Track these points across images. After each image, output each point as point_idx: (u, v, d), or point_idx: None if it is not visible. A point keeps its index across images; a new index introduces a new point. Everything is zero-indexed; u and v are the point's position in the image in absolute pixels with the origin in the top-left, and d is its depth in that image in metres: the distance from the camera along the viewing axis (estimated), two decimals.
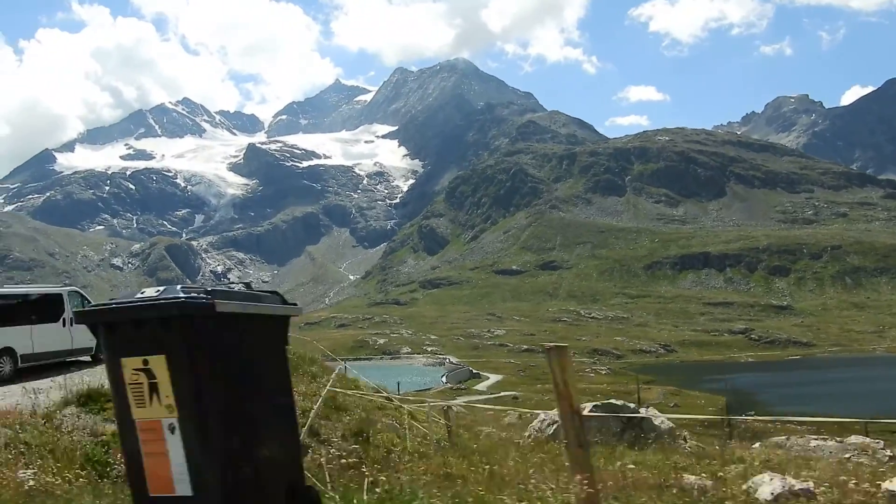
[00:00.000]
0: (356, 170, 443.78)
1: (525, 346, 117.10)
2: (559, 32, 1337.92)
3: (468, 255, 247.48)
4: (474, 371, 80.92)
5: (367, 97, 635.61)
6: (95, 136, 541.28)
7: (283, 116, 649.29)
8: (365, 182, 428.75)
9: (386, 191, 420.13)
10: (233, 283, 4.93)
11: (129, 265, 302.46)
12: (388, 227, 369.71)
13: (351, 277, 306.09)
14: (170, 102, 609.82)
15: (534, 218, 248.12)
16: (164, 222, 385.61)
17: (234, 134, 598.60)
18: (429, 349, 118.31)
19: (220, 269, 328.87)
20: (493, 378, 78.01)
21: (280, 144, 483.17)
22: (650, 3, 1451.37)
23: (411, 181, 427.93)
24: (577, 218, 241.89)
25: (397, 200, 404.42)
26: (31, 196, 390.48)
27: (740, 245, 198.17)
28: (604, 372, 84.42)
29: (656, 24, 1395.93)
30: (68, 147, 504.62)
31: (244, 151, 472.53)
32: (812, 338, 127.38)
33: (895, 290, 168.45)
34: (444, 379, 73.19)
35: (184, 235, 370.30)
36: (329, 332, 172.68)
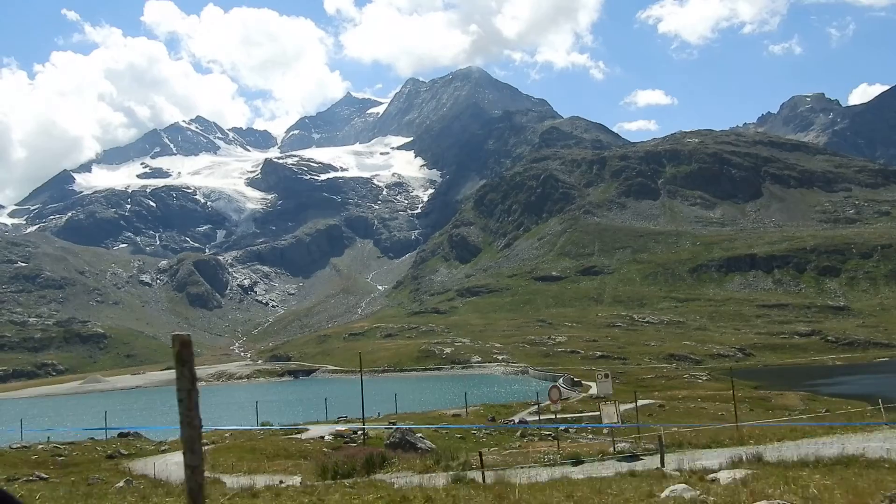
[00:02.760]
0: (375, 181, 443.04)
1: (599, 353, 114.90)
2: (572, 37, 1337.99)
3: (503, 263, 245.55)
4: (576, 379, 78.51)
5: (380, 109, 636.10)
6: (112, 156, 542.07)
7: (296, 131, 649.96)
8: (385, 193, 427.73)
9: (406, 201, 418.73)
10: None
11: (158, 281, 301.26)
12: (413, 236, 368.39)
13: (380, 288, 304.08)
14: (183, 121, 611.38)
15: (568, 224, 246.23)
16: (187, 238, 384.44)
17: (248, 150, 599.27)
18: (499, 357, 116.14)
19: (246, 282, 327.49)
20: (596, 388, 75.30)
21: (297, 158, 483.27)
22: (659, 4, 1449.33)
23: (430, 191, 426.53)
24: (613, 223, 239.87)
25: (419, 210, 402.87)
26: (52, 216, 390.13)
27: (786, 246, 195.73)
28: (705, 378, 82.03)
29: (665, 25, 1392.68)
30: (86, 168, 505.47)
31: (261, 166, 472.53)
32: (884, 338, 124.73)
33: None
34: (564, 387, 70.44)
35: (207, 251, 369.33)
36: (377, 342, 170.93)
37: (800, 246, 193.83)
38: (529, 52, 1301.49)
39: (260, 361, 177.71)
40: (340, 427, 34.18)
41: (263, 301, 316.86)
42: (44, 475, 21.00)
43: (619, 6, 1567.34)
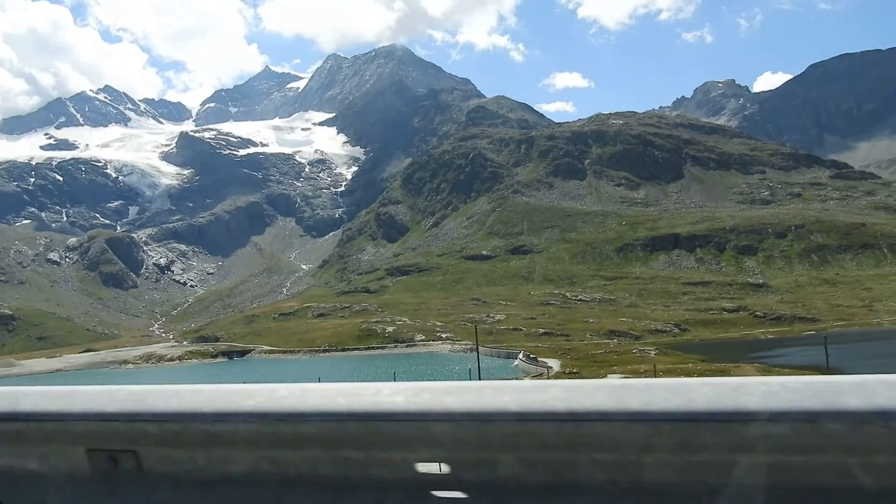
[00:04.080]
0: (297, 157, 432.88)
1: (542, 331, 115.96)
2: (496, 17, 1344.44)
3: (432, 242, 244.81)
4: (532, 356, 78.67)
5: (300, 84, 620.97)
6: (12, 125, 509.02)
7: (212, 104, 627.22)
8: (307, 170, 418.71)
9: (329, 178, 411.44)
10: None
11: (68, 260, 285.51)
12: (337, 215, 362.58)
13: (304, 267, 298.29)
14: (91, 90, 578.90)
15: (497, 203, 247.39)
16: (97, 214, 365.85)
17: (161, 122, 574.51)
18: (443, 336, 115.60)
19: (163, 261, 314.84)
20: (553, 363, 75.73)
21: (214, 132, 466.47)
22: None
23: (354, 168, 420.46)
24: (542, 202, 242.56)
25: (342, 188, 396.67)
26: None
27: (707, 226, 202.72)
28: (654, 353, 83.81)
29: (585, 10, 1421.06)
30: None
31: (176, 140, 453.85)
32: (805, 313, 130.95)
33: (860, 266, 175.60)
34: (518, 364, 70.63)
35: (119, 228, 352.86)
36: (310, 321, 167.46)
37: (720, 226, 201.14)
38: (451, 32, 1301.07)
39: (185, 343, 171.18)
40: None
41: (181, 281, 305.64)
42: None
43: None
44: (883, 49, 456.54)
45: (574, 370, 63.89)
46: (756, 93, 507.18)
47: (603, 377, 60.02)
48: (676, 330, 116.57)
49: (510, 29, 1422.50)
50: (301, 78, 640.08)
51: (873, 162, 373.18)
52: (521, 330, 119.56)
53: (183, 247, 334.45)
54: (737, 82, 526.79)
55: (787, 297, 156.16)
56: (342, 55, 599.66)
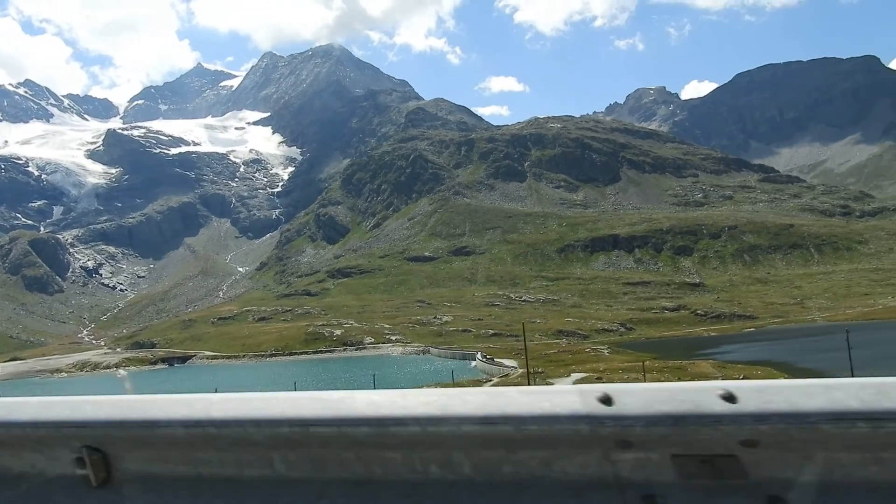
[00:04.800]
0: (231, 157, 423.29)
1: (492, 331, 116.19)
2: (436, 19, 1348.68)
3: (374, 243, 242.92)
4: (489, 357, 78.52)
5: (233, 83, 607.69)
6: None
7: (141, 101, 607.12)
8: (242, 170, 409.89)
9: (265, 179, 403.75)
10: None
11: None
12: (274, 216, 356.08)
13: (241, 269, 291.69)
14: (10, 84, 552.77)
15: (439, 204, 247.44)
16: (18, 215, 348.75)
17: (86, 119, 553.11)
18: (392, 338, 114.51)
19: (90, 264, 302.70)
20: (509, 363, 75.72)
21: (143, 130, 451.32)
22: None
23: (291, 168, 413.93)
24: (483, 204, 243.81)
25: (279, 189, 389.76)
26: None
27: (644, 227, 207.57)
28: (607, 352, 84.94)
29: (521, 15, 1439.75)
30: None
31: (103, 137, 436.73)
32: (742, 310, 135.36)
33: (790, 265, 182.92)
34: (475, 365, 70.32)
35: (42, 229, 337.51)
36: (252, 325, 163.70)
37: (656, 227, 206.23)
38: (389, 33, 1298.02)
39: (119, 349, 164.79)
40: None
41: (111, 284, 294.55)
42: None
43: None
44: (804, 60, 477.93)
45: (539, 370, 64.00)
46: (685, 100, 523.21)
47: (567, 377, 60.34)
48: (622, 329, 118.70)
49: (448, 32, 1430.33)
50: (235, 76, 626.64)
51: (795, 167, 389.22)
52: (470, 331, 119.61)
53: (112, 249, 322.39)
54: (667, 89, 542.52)
55: (723, 295, 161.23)
56: (278, 54, 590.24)
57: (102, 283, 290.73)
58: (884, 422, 1.76)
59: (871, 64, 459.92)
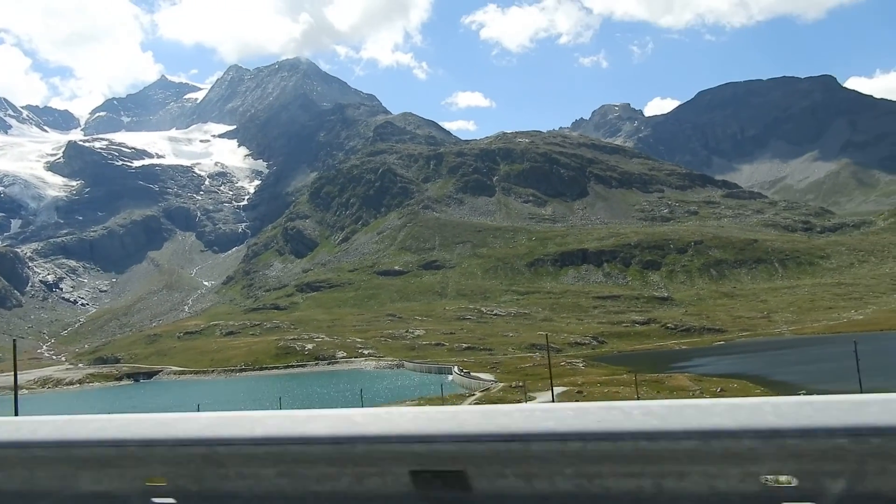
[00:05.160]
0: (196, 170, 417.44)
1: (465, 345, 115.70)
2: (403, 34, 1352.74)
3: (343, 257, 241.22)
4: (464, 371, 78.08)
5: (198, 95, 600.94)
6: None
7: (102, 113, 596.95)
8: (207, 183, 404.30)
9: (231, 192, 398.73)
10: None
11: None
12: (240, 229, 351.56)
13: (206, 283, 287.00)
14: None
15: (408, 218, 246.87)
16: None
17: (46, 131, 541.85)
18: (364, 352, 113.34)
19: (50, 278, 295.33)
20: (486, 377, 75.46)
21: (106, 142, 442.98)
22: (483, 10, 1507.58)
23: (257, 182, 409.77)
24: (452, 218, 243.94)
25: (245, 202, 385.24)
26: None
27: (613, 242, 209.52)
28: (582, 365, 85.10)
29: (488, 32, 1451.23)
30: None
31: (63, 149, 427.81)
32: (710, 324, 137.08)
33: (754, 279, 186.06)
34: (452, 379, 69.83)
35: (0, 242, 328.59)
36: (219, 340, 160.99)
37: (625, 242, 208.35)
38: (355, 48, 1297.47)
39: (81, 365, 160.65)
40: None
41: (71, 299, 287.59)
42: None
43: (447, 9, 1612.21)
44: (764, 79, 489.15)
45: (520, 383, 63.73)
46: (649, 116, 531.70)
47: (546, 390, 60.10)
48: (595, 342, 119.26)
49: (415, 47, 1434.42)
50: (200, 88, 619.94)
51: (756, 183, 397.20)
52: (443, 345, 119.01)
53: (73, 262, 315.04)
54: (632, 106, 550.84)
55: (691, 309, 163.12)
56: (244, 67, 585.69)
57: (63, 298, 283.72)
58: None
59: (828, 83, 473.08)
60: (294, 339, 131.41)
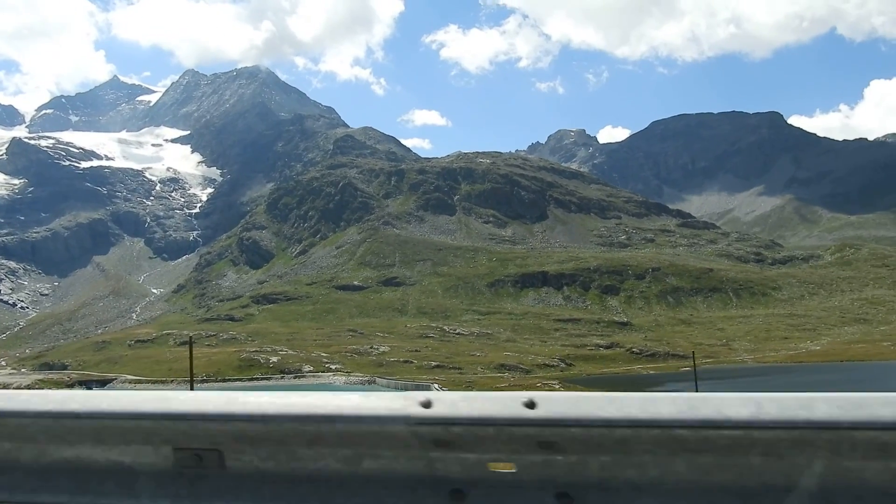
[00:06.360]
0: (147, 174, 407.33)
1: (434, 363, 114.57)
2: (365, 49, 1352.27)
3: (300, 270, 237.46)
4: (443, 388, 77.01)
5: (151, 98, 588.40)
6: None
7: (49, 110, 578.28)
8: (158, 188, 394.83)
9: (183, 199, 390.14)
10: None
11: None
12: (191, 237, 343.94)
13: (155, 291, 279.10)
14: None
15: (368, 233, 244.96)
16: None
17: None
18: (332, 367, 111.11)
19: None
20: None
21: (52, 141, 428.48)
22: (444, 30, 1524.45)
23: (210, 189, 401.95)
24: (413, 235, 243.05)
25: (197, 210, 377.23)
26: None
27: (572, 265, 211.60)
28: (558, 386, 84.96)
29: (448, 52, 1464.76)
30: None
31: (7, 146, 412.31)
32: (672, 349, 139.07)
33: (710, 307, 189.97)
34: None
35: None
36: (173, 349, 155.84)
37: (584, 266, 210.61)
38: (314, 59, 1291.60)
39: (24, 370, 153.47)
40: None
41: (10, 301, 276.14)
42: None
43: (409, 27, 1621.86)
44: (714, 113, 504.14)
45: None
46: (604, 143, 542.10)
47: None
48: (563, 364, 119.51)
49: (375, 62, 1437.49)
50: (153, 91, 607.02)
51: (706, 214, 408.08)
52: (411, 362, 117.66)
53: (12, 264, 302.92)
54: (587, 132, 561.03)
55: (650, 335, 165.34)
56: (201, 72, 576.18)
57: (1, 300, 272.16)
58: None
59: (774, 119, 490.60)
60: (256, 351, 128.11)
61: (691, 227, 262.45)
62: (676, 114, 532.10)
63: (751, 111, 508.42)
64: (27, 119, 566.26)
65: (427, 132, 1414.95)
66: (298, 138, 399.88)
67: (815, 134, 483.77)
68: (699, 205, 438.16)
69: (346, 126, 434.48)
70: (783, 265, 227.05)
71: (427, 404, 2.42)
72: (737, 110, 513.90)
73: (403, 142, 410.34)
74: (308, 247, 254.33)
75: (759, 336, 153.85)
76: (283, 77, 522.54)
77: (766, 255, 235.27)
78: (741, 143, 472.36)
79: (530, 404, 2.36)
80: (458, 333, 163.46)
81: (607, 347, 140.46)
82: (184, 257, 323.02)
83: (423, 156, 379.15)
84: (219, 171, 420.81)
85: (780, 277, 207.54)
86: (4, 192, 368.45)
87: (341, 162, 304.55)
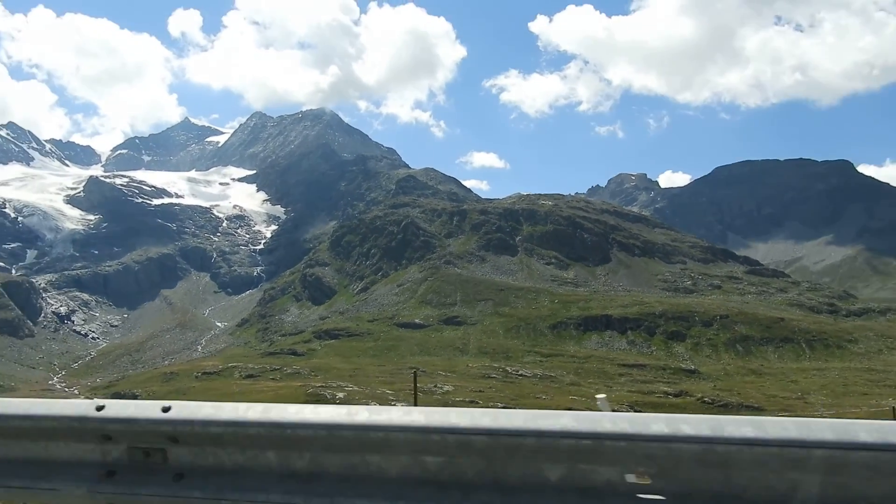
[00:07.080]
0: (214, 212, 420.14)
1: (502, 404, 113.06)
2: (427, 92, 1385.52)
3: (361, 307, 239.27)
4: None
5: (220, 139, 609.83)
6: None
7: (124, 150, 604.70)
8: (225, 225, 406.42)
9: (248, 235, 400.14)
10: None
11: None
12: (255, 273, 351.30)
13: (219, 325, 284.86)
14: None
15: (429, 272, 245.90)
16: None
17: (67, 164, 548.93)
18: (398, 404, 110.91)
19: (63, 310, 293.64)
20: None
21: (126, 179, 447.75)
22: (504, 75, 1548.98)
23: (274, 227, 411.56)
24: (475, 275, 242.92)
25: (261, 246, 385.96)
26: None
27: (637, 310, 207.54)
28: None
29: (508, 96, 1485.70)
30: None
31: (84, 184, 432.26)
32: (743, 400, 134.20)
33: (781, 358, 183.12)
34: None
35: (14, 271, 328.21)
36: (239, 383, 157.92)
37: (649, 310, 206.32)
38: (376, 103, 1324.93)
39: (98, 399, 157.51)
40: None
41: (82, 332, 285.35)
42: None
43: (471, 72, 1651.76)
44: (780, 159, 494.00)
45: None
46: (665, 188, 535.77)
47: None
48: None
49: (435, 105, 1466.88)
50: (222, 132, 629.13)
51: (772, 262, 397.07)
52: (476, 402, 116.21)
53: (86, 296, 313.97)
54: (648, 176, 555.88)
55: (719, 384, 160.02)
56: (267, 114, 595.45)
57: (74, 330, 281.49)
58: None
59: (844, 168, 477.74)
60: (322, 386, 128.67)
61: (759, 275, 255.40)
62: (739, 160, 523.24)
63: (818, 159, 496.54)
64: (103, 159, 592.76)
65: (485, 174, 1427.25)
66: (361, 178, 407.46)
67: (888, 184, 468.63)
68: (765, 252, 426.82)
69: (408, 167, 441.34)
70: (858, 317, 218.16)
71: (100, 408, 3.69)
72: (803, 157, 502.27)
73: (463, 183, 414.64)
74: (370, 284, 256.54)
75: (836, 391, 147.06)
76: (346, 119, 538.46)
77: (839, 307, 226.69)
78: (809, 191, 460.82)
79: (166, 409, 3.75)
80: (520, 375, 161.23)
81: (676, 395, 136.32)
82: (247, 292, 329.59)
83: (484, 197, 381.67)
84: (283, 209, 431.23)
85: (855, 330, 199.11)
86: (81, 227, 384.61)
87: (403, 201, 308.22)
